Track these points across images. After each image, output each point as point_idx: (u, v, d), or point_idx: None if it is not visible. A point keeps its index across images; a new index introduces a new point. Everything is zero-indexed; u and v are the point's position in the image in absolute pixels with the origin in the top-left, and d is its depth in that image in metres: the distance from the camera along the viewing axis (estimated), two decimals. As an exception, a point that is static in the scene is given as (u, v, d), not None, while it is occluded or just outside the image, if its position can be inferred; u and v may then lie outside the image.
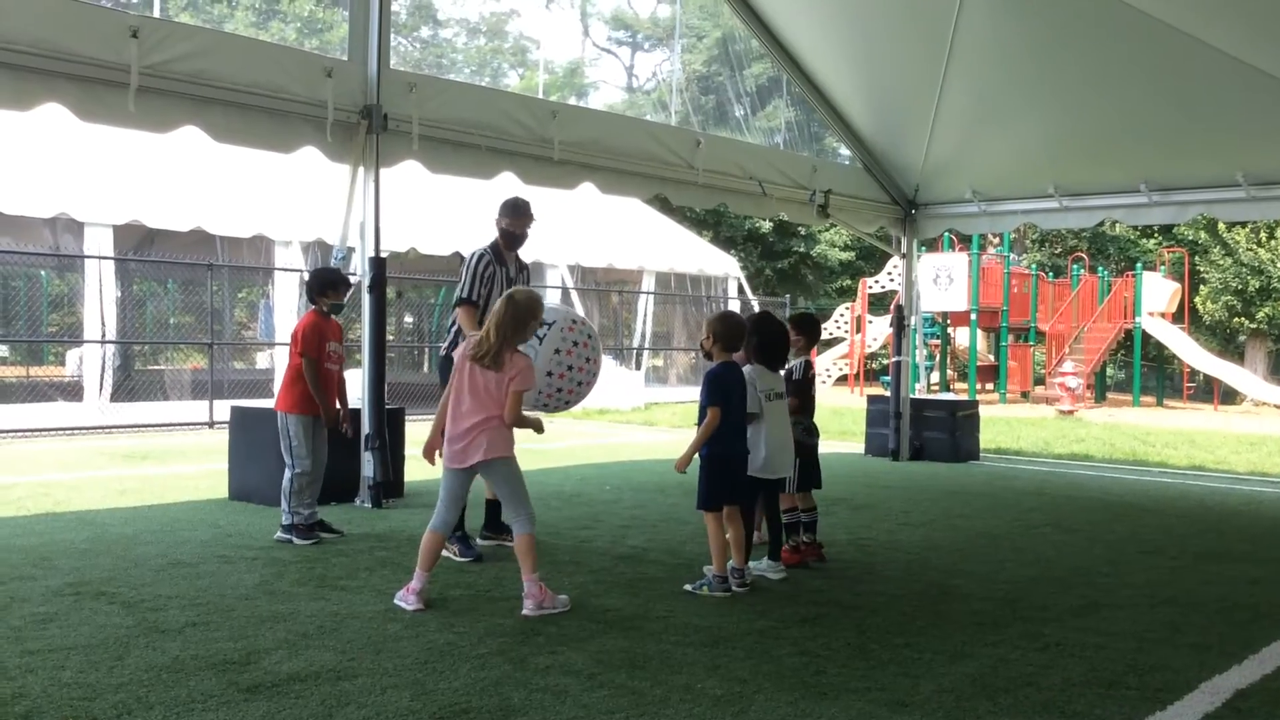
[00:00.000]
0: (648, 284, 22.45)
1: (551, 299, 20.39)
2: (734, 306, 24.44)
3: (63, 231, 15.59)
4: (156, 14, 9.21)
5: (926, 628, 4.92)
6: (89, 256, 14.40)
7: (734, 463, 5.51)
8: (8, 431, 12.78)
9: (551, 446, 12.87)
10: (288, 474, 6.72)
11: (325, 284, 6.99)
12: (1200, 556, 6.89)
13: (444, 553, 5.73)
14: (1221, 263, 29.78)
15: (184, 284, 20.62)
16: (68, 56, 6.61)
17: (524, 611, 4.97)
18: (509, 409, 5.03)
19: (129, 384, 15.71)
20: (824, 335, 28.82)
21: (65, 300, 20.97)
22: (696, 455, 5.47)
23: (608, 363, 20.10)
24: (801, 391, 6.42)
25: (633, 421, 17.23)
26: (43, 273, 21.59)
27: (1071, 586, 5.90)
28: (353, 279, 8.45)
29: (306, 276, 7.16)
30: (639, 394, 20.14)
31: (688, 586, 5.56)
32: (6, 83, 6.47)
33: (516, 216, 6.97)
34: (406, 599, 5.07)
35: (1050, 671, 4.30)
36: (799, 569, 6.14)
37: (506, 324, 5.02)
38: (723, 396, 5.41)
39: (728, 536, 5.53)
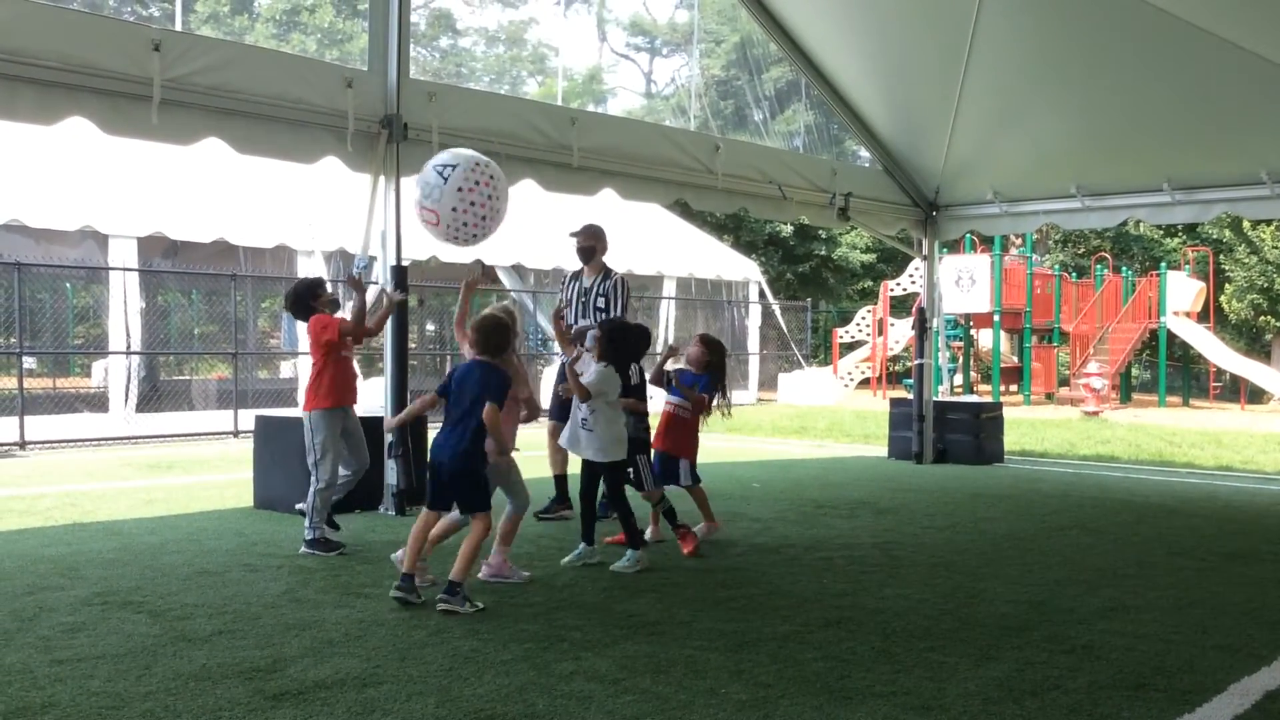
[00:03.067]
0: (668, 289, 22.45)
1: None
2: (754, 311, 24.42)
3: (87, 243, 15.71)
4: (178, 27, 9.29)
5: (952, 631, 4.90)
6: (114, 268, 14.52)
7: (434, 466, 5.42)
8: (35, 442, 12.90)
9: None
10: (312, 488, 6.66)
11: (310, 292, 6.90)
12: (1228, 557, 6.84)
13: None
14: (1246, 261, 29.54)
15: (208, 294, 20.76)
16: (91, 70, 6.68)
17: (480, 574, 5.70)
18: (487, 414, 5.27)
19: (154, 394, 15.82)
20: (846, 339, 28.76)
21: (91, 312, 21.15)
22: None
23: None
24: (640, 394, 7.14)
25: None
26: (68, 285, 21.78)
27: (1098, 588, 5.86)
28: (374, 287, 8.50)
29: (289, 296, 7.15)
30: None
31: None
32: (32, 97, 6.55)
33: (575, 236, 8.37)
34: (504, 572, 5.73)
35: (1077, 674, 4.28)
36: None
37: (479, 344, 5.48)
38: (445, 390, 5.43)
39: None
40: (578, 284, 8.14)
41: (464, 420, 5.31)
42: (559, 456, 7.93)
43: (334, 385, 6.74)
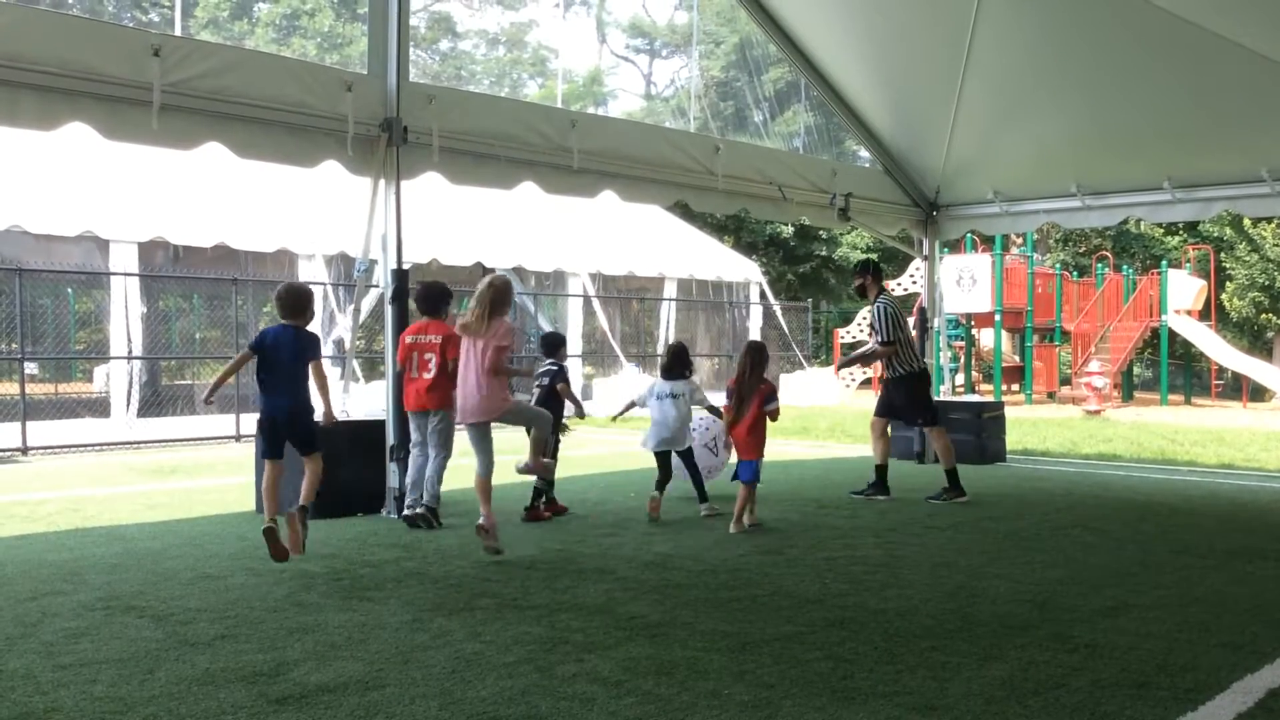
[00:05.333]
0: (669, 291, 22.46)
1: (573, 307, 20.43)
2: (755, 311, 24.42)
3: (89, 249, 15.72)
4: (178, 32, 9.31)
5: (954, 631, 4.90)
6: (115, 274, 14.53)
7: (268, 419, 6.26)
8: (37, 448, 12.91)
9: (575, 454, 12.88)
10: (446, 463, 7.72)
11: (448, 295, 8.02)
12: (1230, 555, 6.83)
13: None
14: (1248, 259, 29.54)
15: (209, 299, 20.78)
16: (91, 76, 6.69)
17: (520, 466, 6.85)
18: (491, 360, 6.36)
19: (156, 399, 15.83)
20: (847, 339, 28.76)
21: (92, 317, 21.16)
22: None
23: (631, 370, 20.12)
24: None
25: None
26: (69, 290, 21.80)
27: (1101, 587, 5.86)
28: (375, 291, 8.51)
29: (421, 287, 8.05)
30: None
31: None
32: (32, 103, 6.56)
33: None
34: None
35: (1080, 673, 4.27)
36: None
37: (491, 302, 6.50)
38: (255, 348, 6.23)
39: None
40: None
41: (290, 378, 6.15)
42: (882, 446, 9.45)
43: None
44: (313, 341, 6.20)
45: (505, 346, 6.52)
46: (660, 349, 21.88)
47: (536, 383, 8.49)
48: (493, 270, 19.48)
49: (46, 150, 14.08)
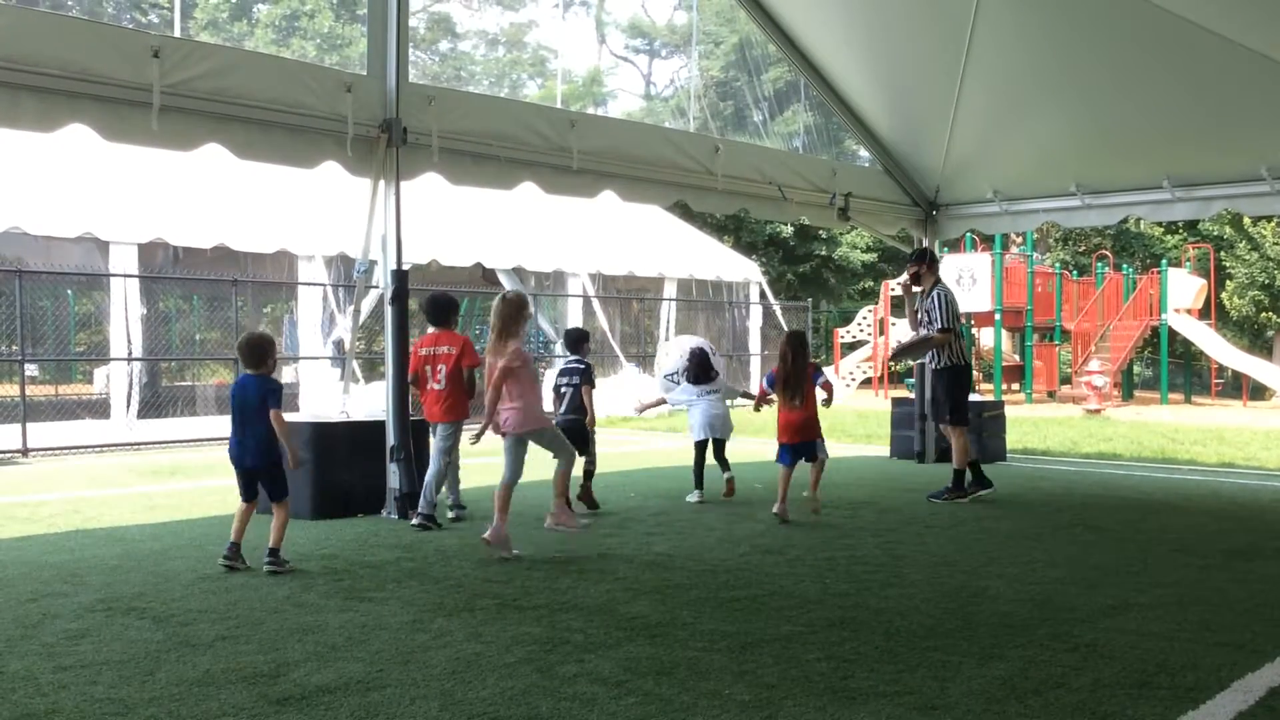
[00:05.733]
0: (669, 291, 22.46)
1: (573, 307, 20.43)
2: (755, 311, 24.42)
3: (89, 250, 15.72)
4: (177, 34, 9.30)
5: (955, 630, 4.90)
6: (114, 275, 14.53)
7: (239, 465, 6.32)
8: (38, 449, 12.91)
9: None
10: (444, 468, 7.88)
11: (455, 305, 8.25)
12: (1231, 554, 6.83)
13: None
14: (1247, 258, 29.55)
15: (209, 300, 20.78)
16: (91, 78, 6.69)
17: (547, 524, 6.84)
18: (496, 382, 6.53)
19: (156, 400, 15.83)
20: (847, 339, 28.75)
21: (92, 318, 21.16)
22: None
23: (631, 370, 20.12)
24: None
25: (656, 428, 17.23)
26: (69, 292, 21.80)
27: (1101, 586, 5.86)
28: (375, 291, 8.51)
29: (430, 299, 8.29)
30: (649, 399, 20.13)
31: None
32: (32, 105, 6.56)
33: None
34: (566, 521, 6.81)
35: (1081, 672, 4.27)
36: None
37: (502, 318, 6.62)
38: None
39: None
40: (913, 300, 9.75)
41: (253, 425, 6.21)
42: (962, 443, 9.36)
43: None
44: (273, 390, 6.29)
45: (511, 369, 6.55)
46: (660, 349, 21.94)
47: (565, 381, 8.52)
48: (492, 270, 19.52)
49: (46, 152, 14.08)
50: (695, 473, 9.17)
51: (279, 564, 6.16)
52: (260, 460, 6.24)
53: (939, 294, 9.39)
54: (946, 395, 9.39)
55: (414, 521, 7.70)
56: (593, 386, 8.50)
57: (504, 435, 6.69)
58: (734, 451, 9.74)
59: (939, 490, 9.24)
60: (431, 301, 8.19)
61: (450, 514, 8.08)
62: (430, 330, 8.11)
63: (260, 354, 6.36)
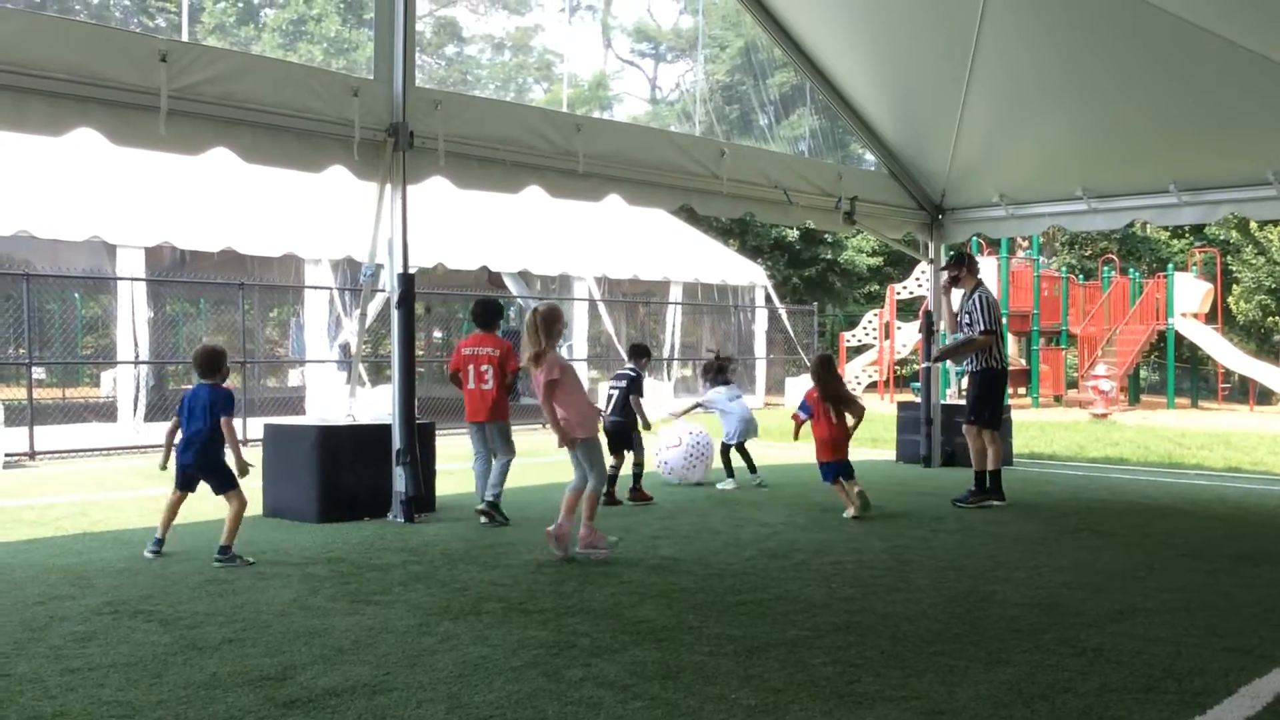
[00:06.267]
0: (674, 294, 22.47)
1: (578, 311, 20.44)
2: (761, 315, 24.42)
3: (96, 253, 15.76)
4: (185, 38, 9.33)
5: (962, 635, 4.90)
6: (121, 278, 14.56)
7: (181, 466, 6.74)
8: (45, 453, 12.93)
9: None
10: (509, 463, 8.15)
11: (501, 310, 8.56)
12: (1238, 559, 6.82)
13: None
14: (1254, 262, 29.49)
15: (216, 304, 20.84)
16: (99, 82, 6.70)
17: (576, 549, 6.64)
18: (543, 395, 6.59)
19: (163, 404, 15.84)
20: (853, 342, 28.73)
21: (99, 322, 21.22)
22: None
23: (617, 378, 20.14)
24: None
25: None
26: (76, 295, 21.86)
27: (1108, 591, 5.85)
28: (381, 295, 8.54)
29: (478, 304, 8.62)
30: (668, 404, 20.15)
31: None
32: (41, 109, 6.58)
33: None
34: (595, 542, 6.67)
35: (1088, 677, 4.27)
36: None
37: (537, 330, 6.63)
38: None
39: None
40: (948, 302, 10.02)
41: (200, 432, 6.60)
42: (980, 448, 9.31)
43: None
44: (224, 399, 6.67)
45: (554, 380, 6.63)
46: (666, 353, 21.98)
47: (615, 385, 9.38)
48: (498, 274, 19.54)
49: (54, 155, 14.12)
50: (727, 465, 10.34)
51: (229, 559, 6.45)
52: (199, 461, 6.65)
53: (981, 296, 9.38)
54: (979, 396, 9.31)
55: (482, 520, 7.98)
56: (640, 394, 9.31)
57: (570, 444, 6.79)
58: (736, 457, 9.75)
59: (963, 495, 9.18)
60: (479, 304, 8.56)
61: (480, 513, 8.18)
62: (475, 332, 8.41)
63: (214, 364, 6.76)
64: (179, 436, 6.74)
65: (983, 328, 9.26)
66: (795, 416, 8.94)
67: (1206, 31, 8.76)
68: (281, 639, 4.75)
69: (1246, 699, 4.04)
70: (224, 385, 6.78)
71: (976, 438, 9.26)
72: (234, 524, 6.58)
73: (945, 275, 9.98)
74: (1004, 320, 9.50)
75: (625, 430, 9.23)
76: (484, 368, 8.10)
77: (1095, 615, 5.29)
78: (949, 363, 9.60)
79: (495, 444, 8.19)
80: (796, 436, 9.08)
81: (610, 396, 9.36)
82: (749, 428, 10.46)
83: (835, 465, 8.54)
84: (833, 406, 8.56)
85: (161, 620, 5.08)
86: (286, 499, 8.26)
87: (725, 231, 30.21)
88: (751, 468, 10.40)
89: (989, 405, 9.32)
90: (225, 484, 6.67)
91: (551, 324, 6.73)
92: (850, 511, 8.41)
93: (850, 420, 8.66)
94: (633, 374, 9.36)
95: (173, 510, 6.81)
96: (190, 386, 6.91)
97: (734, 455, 10.41)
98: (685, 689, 4.08)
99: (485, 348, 8.16)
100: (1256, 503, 9.52)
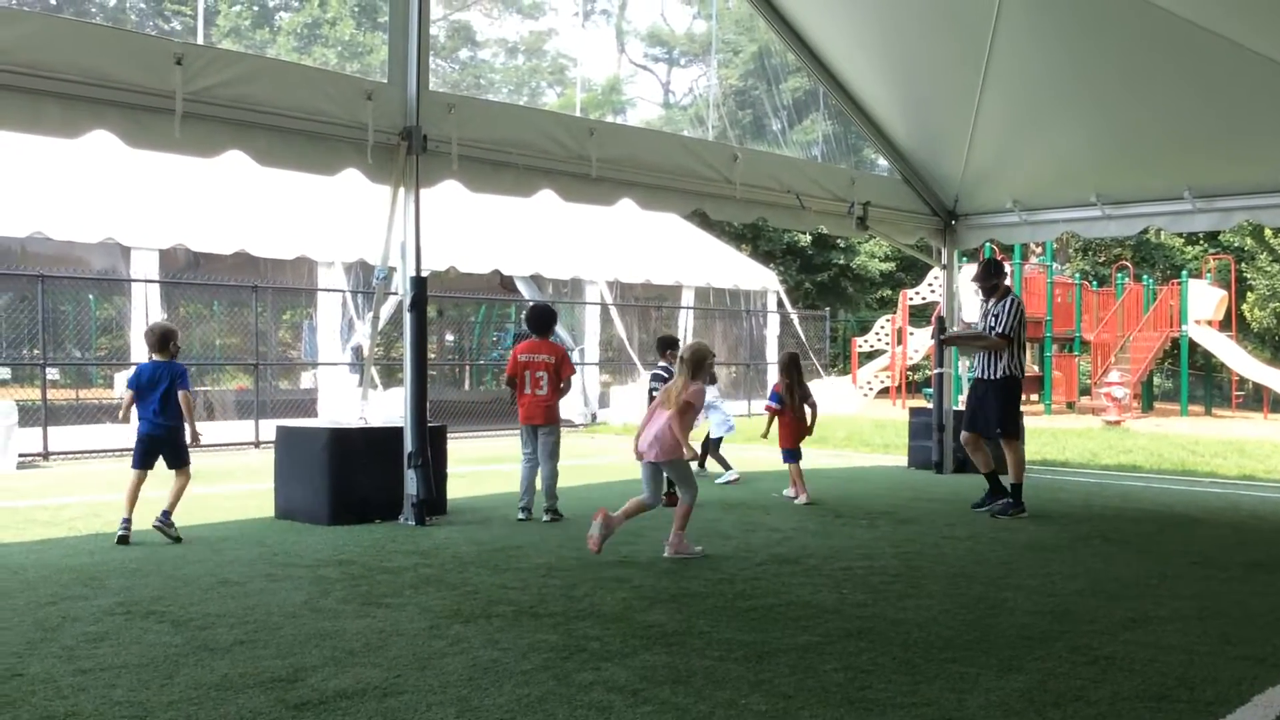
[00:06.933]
0: (687, 299, 22.46)
1: (590, 315, 20.45)
2: (773, 320, 24.40)
3: (111, 255, 15.83)
4: (200, 41, 9.37)
5: (973, 642, 4.88)
6: (135, 280, 14.63)
7: (145, 438, 7.40)
8: (58, 453, 12.99)
9: (591, 462, 12.90)
10: (557, 470, 8.50)
11: (555, 317, 8.82)
12: (1251, 567, 6.79)
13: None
14: (1269, 269, 29.35)
15: (229, 306, 20.90)
16: (115, 85, 6.74)
17: (665, 554, 6.89)
18: (678, 413, 6.91)
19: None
20: (865, 348, 28.68)
21: (113, 323, 21.29)
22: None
23: (647, 379, 20.11)
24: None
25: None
26: (91, 296, 21.95)
27: (1120, 599, 5.83)
28: (394, 298, 8.57)
29: (533, 310, 8.96)
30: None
31: None
32: (56, 111, 6.61)
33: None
34: (684, 549, 6.93)
35: (1100, 685, 4.25)
36: None
37: (691, 365, 7.03)
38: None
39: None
40: (985, 305, 9.56)
41: (160, 404, 7.34)
42: (983, 456, 9.35)
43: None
44: (180, 373, 7.41)
45: (689, 404, 6.98)
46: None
47: (654, 386, 9.64)
48: (510, 278, 19.56)
49: (69, 157, 14.19)
50: (721, 460, 11.03)
51: (167, 525, 7.27)
52: (164, 434, 7.37)
53: (1011, 300, 9.24)
54: (999, 406, 9.13)
55: (545, 518, 8.35)
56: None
57: (647, 463, 7.06)
58: (749, 459, 9.77)
59: (990, 502, 9.10)
60: (533, 311, 8.88)
61: (520, 515, 8.44)
62: (531, 338, 8.69)
63: (165, 341, 7.48)
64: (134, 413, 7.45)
65: (1001, 330, 9.08)
66: (769, 408, 9.73)
67: (1223, 38, 8.73)
68: (292, 641, 4.76)
69: (1260, 708, 4.01)
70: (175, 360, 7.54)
71: (1015, 450, 9.08)
72: (179, 493, 7.46)
73: (976, 287, 9.96)
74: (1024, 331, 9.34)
75: None
76: (539, 374, 8.42)
77: (1108, 623, 5.27)
78: (961, 365, 9.53)
79: (545, 448, 8.50)
80: (766, 434, 9.89)
81: (653, 397, 9.36)
82: (731, 423, 11.53)
83: (796, 452, 9.72)
84: (802, 401, 9.61)
85: (173, 621, 5.10)
86: (298, 501, 8.28)
87: (738, 236, 30.20)
88: (724, 463, 11.09)
89: (1014, 415, 9.21)
90: (181, 458, 7.49)
91: (703, 360, 7.12)
92: (803, 498, 9.43)
93: (809, 414, 9.71)
94: (666, 374, 9.46)
95: (137, 491, 7.37)
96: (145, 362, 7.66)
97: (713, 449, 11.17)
98: (695, 694, 4.08)
99: (541, 354, 8.47)
100: (1271, 511, 9.47)
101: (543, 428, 8.49)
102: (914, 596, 5.84)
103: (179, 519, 7.42)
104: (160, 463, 7.49)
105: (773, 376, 24.64)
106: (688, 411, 7.01)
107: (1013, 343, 9.09)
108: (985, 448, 9.36)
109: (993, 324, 9.21)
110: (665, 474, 7.13)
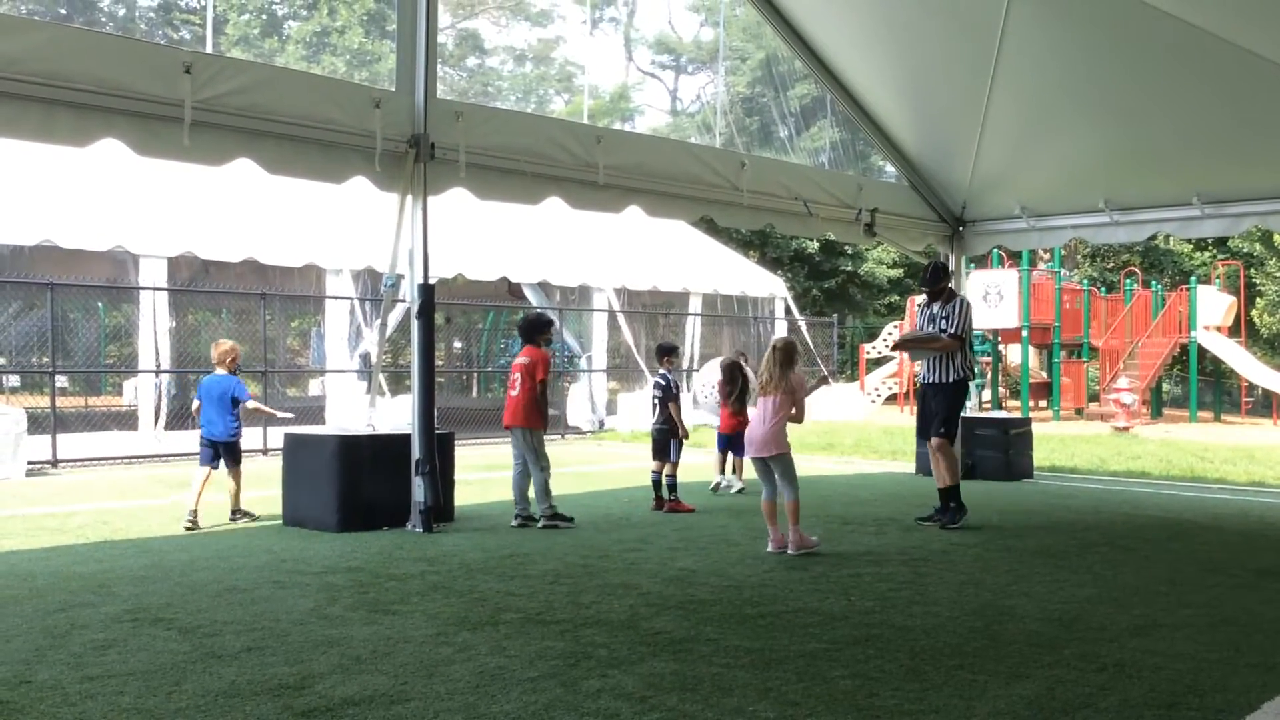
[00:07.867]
0: (694, 306, 22.46)
1: (598, 322, 20.46)
2: (780, 327, 24.38)
3: (119, 262, 15.88)
4: (209, 50, 9.40)
5: (981, 649, 4.87)
6: (144, 288, 14.67)
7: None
8: (67, 461, 13.02)
9: (599, 469, 12.90)
10: (542, 477, 8.30)
11: (543, 326, 8.73)
12: (1261, 574, 6.76)
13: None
14: (1278, 275, 29.27)
15: (237, 313, 20.92)
16: (124, 93, 6.78)
17: (789, 550, 7.24)
18: (780, 406, 7.35)
19: (184, 412, 15.92)
20: (873, 354, 28.64)
21: (122, 331, 21.35)
22: None
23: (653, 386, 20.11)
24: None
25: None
26: (100, 304, 22.01)
27: (1129, 606, 5.81)
28: (401, 305, 8.59)
29: (522, 319, 9.12)
30: (688, 415, 20.11)
31: None
32: (67, 120, 6.65)
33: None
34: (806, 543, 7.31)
35: (1109, 693, 4.24)
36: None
37: (777, 361, 7.42)
38: None
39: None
40: (928, 310, 9.24)
41: (222, 410, 8.49)
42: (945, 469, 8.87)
43: (542, 413, 8.54)
44: (236, 385, 8.63)
45: (793, 391, 7.38)
46: (685, 364, 21.95)
47: (653, 394, 9.64)
48: (518, 285, 19.58)
49: (78, 166, 14.25)
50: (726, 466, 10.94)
51: (242, 514, 8.56)
52: (228, 438, 8.61)
53: (960, 301, 9.10)
54: (943, 408, 8.89)
55: (540, 524, 8.30)
56: (675, 400, 9.51)
57: (755, 459, 7.53)
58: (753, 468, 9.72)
59: (932, 514, 8.81)
60: (521, 320, 9.10)
61: (515, 521, 8.41)
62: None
63: (226, 356, 8.66)
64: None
65: (955, 331, 8.82)
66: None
67: (1231, 44, 8.72)
68: (300, 648, 4.76)
69: (1270, 715, 4.00)
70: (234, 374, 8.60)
71: (949, 451, 8.78)
72: (237, 491, 8.61)
73: (924, 296, 9.49)
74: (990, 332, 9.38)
75: (667, 438, 9.41)
76: (515, 375, 8.50)
77: (1116, 630, 5.25)
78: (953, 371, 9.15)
79: (527, 453, 8.46)
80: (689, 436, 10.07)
81: (654, 405, 9.66)
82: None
83: (733, 439, 9.97)
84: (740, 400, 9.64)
85: (181, 628, 5.10)
86: (306, 508, 8.30)
87: (745, 243, 30.19)
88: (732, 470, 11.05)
89: (956, 419, 9.05)
90: (235, 460, 8.61)
91: (790, 355, 7.48)
92: (738, 485, 10.44)
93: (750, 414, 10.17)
94: (664, 381, 9.55)
95: (202, 486, 8.39)
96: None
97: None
98: (703, 701, 4.07)
99: (521, 358, 8.56)
100: (1280, 518, 9.43)
101: (518, 429, 8.45)
102: (922, 603, 5.82)
103: (207, 519, 8.17)
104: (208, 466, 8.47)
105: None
106: (787, 405, 7.36)
107: (963, 344, 8.94)
108: (953, 454, 8.93)
109: (943, 326, 8.95)
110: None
